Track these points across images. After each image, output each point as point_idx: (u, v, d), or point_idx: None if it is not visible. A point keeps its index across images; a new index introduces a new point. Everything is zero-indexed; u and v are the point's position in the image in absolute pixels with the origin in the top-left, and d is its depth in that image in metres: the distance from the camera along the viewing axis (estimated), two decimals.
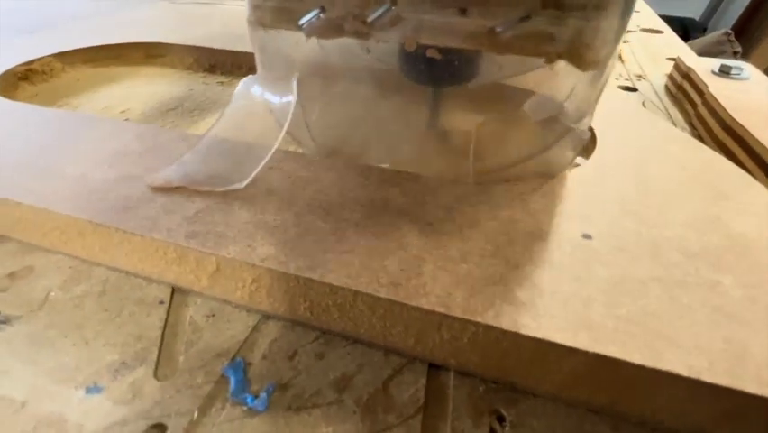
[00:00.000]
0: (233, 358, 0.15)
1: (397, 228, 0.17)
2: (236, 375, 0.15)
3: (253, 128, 0.21)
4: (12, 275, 0.19)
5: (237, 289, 0.16)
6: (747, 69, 0.32)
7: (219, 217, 0.17)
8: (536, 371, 0.14)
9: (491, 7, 0.15)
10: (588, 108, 0.19)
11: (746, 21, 1.54)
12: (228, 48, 0.35)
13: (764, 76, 0.33)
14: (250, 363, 0.15)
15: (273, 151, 0.19)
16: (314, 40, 0.19)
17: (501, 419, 0.14)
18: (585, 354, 0.13)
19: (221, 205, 0.18)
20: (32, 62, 0.32)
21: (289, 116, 0.19)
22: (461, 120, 0.22)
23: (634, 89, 0.36)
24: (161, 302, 0.18)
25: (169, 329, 0.17)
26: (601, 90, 0.19)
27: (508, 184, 0.20)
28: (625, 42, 0.43)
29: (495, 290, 0.14)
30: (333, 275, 0.15)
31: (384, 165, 0.21)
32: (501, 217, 0.18)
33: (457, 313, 0.14)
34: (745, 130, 0.25)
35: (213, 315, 0.17)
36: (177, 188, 0.19)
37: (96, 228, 0.17)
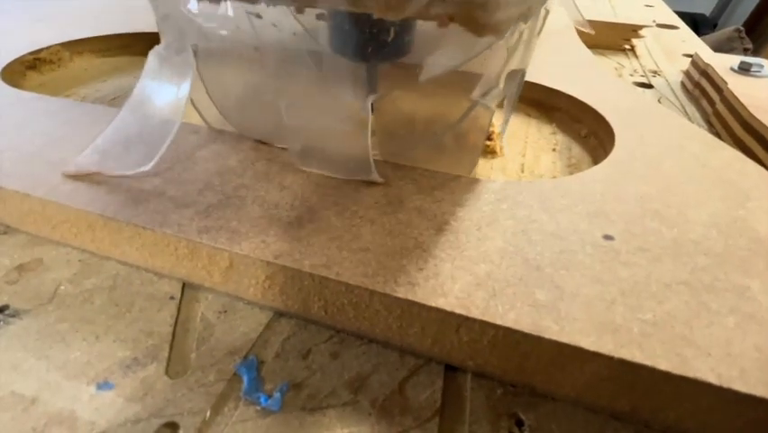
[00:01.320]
0: (246, 356, 0.15)
1: (413, 226, 0.16)
2: (249, 374, 0.15)
3: (161, 104, 0.19)
4: (21, 268, 0.18)
5: (250, 285, 0.16)
6: (767, 66, 0.32)
7: (231, 212, 0.17)
8: (557, 374, 0.13)
9: None
10: (495, 80, 0.18)
11: (758, 17, 1.52)
12: None
13: None
14: (263, 362, 0.15)
15: (175, 129, 0.18)
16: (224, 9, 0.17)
17: (520, 423, 0.14)
18: (609, 358, 0.12)
19: (233, 200, 0.18)
20: (39, 51, 0.31)
21: (188, 88, 0.18)
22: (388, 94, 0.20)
23: (649, 86, 0.35)
24: (172, 298, 0.17)
25: (180, 326, 0.16)
26: (509, 61, 0.18)
27: (527, 183, 0.19)
28: (640, 38, 0.42)
29: (515, 291, 0.14)
30: (348, 274, 0.14)
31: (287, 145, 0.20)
32: (519, 217, 0.17)
33: (476, 315, 0.13)
34: (766, 128, 0.25)
35: (224, 311, 0.17)
36: (92, 174, 0.18)
37: (106, 222, 0.17)
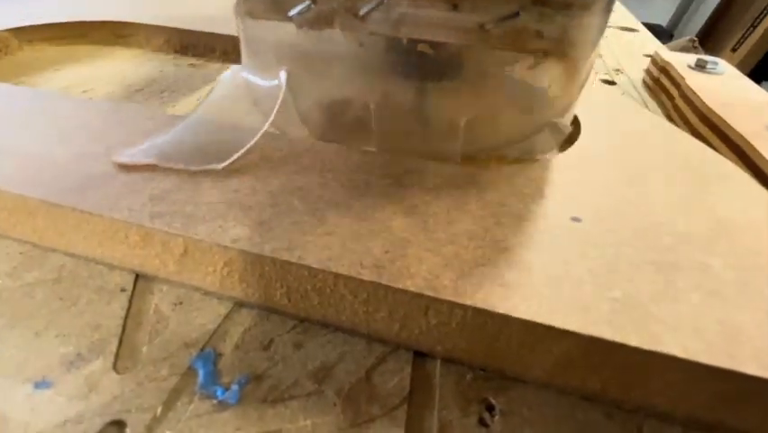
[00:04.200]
0: (203, 349, 0.14)
1: (381, 210, 0.16)
2: (205, 367, 0.14)
3: (236, 115, 0.20)
4: None
5: (207, 274, 0.15)
6: (722, 64, 0.33)
7: (187, 196, 0.16)
8: (527, 355, 0.13)
9: (482, 3, 0.15)
10: (570, 103, 0.19)
11: (711, 28, 1.61)
12: (202, 29, 0.33)
13: (738, 71, 0.33)
14: (221, 354, 0.14)
15: (260, 135, 0.18)
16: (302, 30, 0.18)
17: (491, 408, 0.13)
18: (578, 336, 0.12)
19: (189, 184, 0.17)
20: None
21: (278, 102, 0.19)
22: (448, 108, 0.21)
23: (613, 83, 0.36)
24: (123, 290, 0.16)
25: (131, 319, 0.15)
26: (583, 85, 0.19)
27: (496, 168, 0.19)
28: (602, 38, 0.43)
29: (484, 271, 0.14)
30: (312, 257, 0.14)
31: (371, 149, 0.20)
32: (489, 200, 0.17)
33: (445, 295, 0.13)
34: (723, 121, 0.25)
35: (180, 303, 0.16)
36: (144, 165, 0.17)
37: (49, 209, 0.16)
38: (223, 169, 0.17)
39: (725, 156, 0.24)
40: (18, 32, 0.31)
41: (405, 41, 0.17)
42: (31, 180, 0.16)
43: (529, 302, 0.13)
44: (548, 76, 0.18)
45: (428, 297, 0.13)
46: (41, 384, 0.13)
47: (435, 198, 0.17)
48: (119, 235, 0.15)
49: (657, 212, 0.17)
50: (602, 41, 0.43)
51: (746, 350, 0.12)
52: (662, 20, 1.90)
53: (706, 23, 1.64)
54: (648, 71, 0.37)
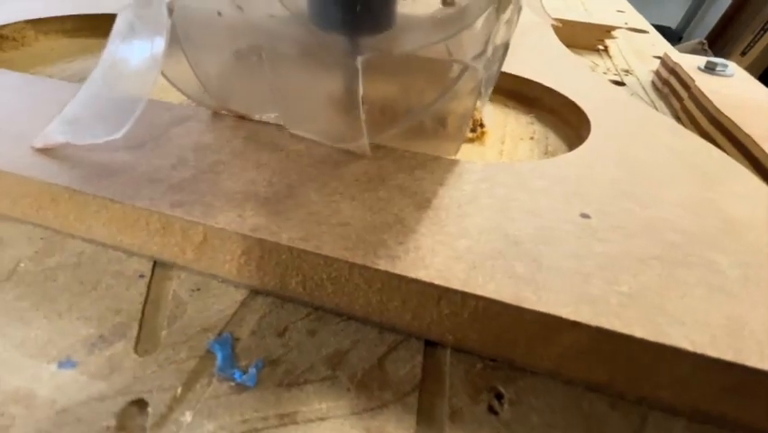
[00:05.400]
0: (220, 333, 0.15)
1: (393, 203, 0.16)
2: (223, 350, 0.14)
3: (133, 67, 0.18)
4: None
5: (225, 261, 0.15)
6: (732, 66, 0.33)
7: (206, 187, 0.16)
8: (536, 346, 0.13)
9: None
10: (484, 45, 0.18)
11: (720, 31, 1.60)
12: None
13: (747, 74, 0.33)
14: (238, 339, 0.15)
15: (149, 91, 0.17)
16: None
17: (499, 397, 0.14)
18: (587, 327, 0.12)
19: (208, 175, 0.17)
20: (2, 27, 0.30)
21: (162, 45, 0.17)
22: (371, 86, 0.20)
23: (622, 83, 0.36)
24: (142, 276, 0.17)
25: (150, 304, 0.16)
26: (498, 26, 0.18)
27: (506, 164, 0.19)
28: (613, 39, 0.43)
29: (495, 264, 0.14)
30: (328, 247, 0.14)
31: (277, 122, 0.20)
32: (499, 195, 0.17)
33: (457, 286, 0.13)
34: (732, 123, 0.26)
35: (198, 289, 0.16)
36: (61, 146, 0.17)
37: (71, 195, 0.16)
38: (240, 159, 0.18)
39: (735, 158, 0.25)
40: (35, 23, 0.32)
41: None
42: (54, 167, 0.17)
43: (539, 294, 0.13)
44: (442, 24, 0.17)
45: (441, 287, 0.13)
46: (65, 364, 0.13)
47: (446, 191, 0.17)
48: (140, 223, 0.16)
49: (664, 209, 0.17)
50: (612, 42, 0.43)
51: (751, 344, 0.12)
52: (672, 22, 1.89)
53: (716, 26, 1.63)
54: (657, 73, 0.37)
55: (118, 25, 0.18)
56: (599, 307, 0.13)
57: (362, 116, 0.17)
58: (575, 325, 0.12)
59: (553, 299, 0.13)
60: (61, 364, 0.13)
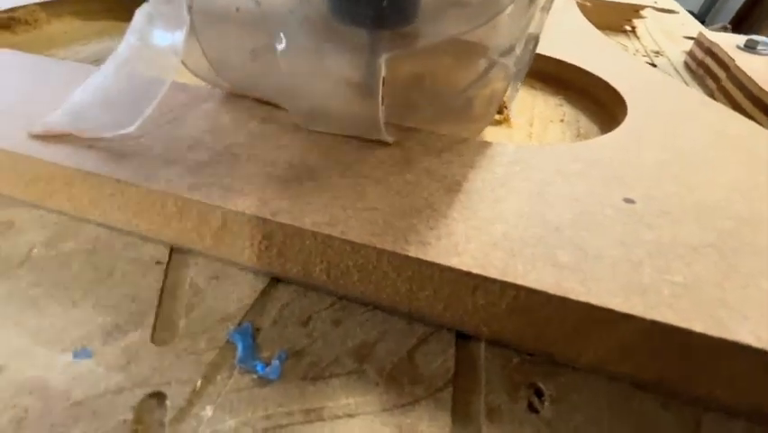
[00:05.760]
0: (240, 323, 0.14)
1: (423, 187, 0.15)
2: (244, 341, 0.13)
3: (150, 62, 0.18)
4: None
5: (245, 247, 0.15)
6: None
7: (224, 169, 0.16)
8: (580, 340, 0.12)
9: None
10: (515, 41, 0.17)
11: (744, 15, 1.54)
12: None
13: None
14: (258, 329, 0.14)
15: (165, 88, 0.16)
16: None
17: (540, 393, 0.13)
18: (641, 320, 0.11)
19: (226, 157, 0.16)
20: (14, 10, 0.29)
21: (181, 44, 0.17)
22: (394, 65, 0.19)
23: (653, 65, 0.35)
24: (158, 262, 0.16)
25: (167, 291, 0.15)
26: (529, 21, 0.17)
27: (538, 147, 0.18)
28: (641, 18, 0.41)
29: (535, 251, 0.13)
30: (354, 232, 0.13)
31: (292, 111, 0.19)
32: (534, 179, 0.16)
33: (495, 275, 0.12)
34: None
35: (216, 277, 0.15)
36: (62, 135, 0.16)
37: (85, 177, 0.15)
38: (260, 141, 0.17)
39: None
40: (46, 6, 0.31)
41: None
42: (67, 149, 0.16)
43: (586, 284, 0.12)
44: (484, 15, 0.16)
45: (477, 276, 0.12)
46: (80, 354, 0.13)
47: (477, 175, 0.16)
48: (155, 207, 0.15)
49: (714, 193, 0.16)
50: (640, 22, 0.41)
51: None
52: (694, 6, 1.83)
53: (740, 10, 1.57)
54: (691, 53, 0.35)
55: (136, 20, 0.18)
56: (651, 298, 0.12)
57: (381, 117, 0.16)
58: (626, 317, 0.11)
59: (602, 290, 0.12)
60: (76, 354, 0.13)
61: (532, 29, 0.18)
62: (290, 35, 0.16)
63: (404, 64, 0.19)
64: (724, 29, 1.36)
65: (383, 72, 0.16)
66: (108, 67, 0.18)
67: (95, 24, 0.33)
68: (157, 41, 0.18)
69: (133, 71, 0.18)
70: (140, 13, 0.18)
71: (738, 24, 1.49)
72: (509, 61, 0.17)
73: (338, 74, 0.17)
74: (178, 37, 0.16)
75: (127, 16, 0.32)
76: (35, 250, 0.16)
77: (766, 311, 0.12)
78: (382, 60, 0.16)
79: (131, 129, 0.16)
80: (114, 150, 0.16)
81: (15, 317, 0.14)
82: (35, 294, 0.14)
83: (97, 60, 0.28)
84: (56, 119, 0.17)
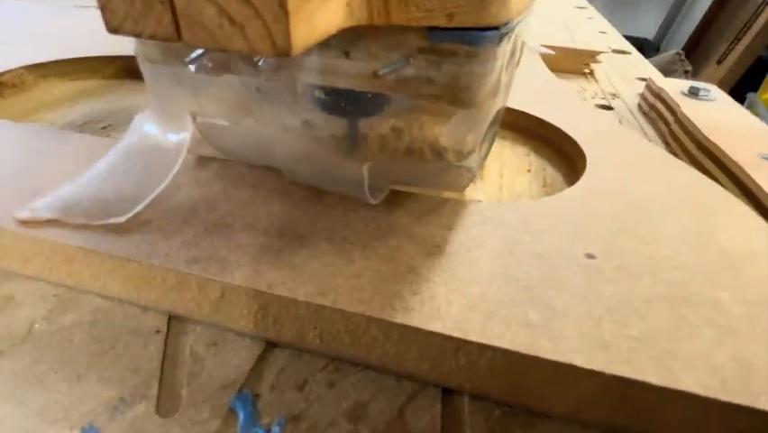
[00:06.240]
0: (240, 389, 0.15)
1: (404, 251, 0.17)
2: (245, 409, 0.14)
3: (146, 163, 0.19)
4: None
5: (242, 316, 0.16)
6: (714, 90, 0.34)
7: (220, 241, 0.17)
8: (552, 393, 0.14)
9: (372, 50, 0.15)
10: (473, 146, 0.19)
11: (696, 41, 1.65)
12: None
13: (730, 97, 0.35)
14: (258, 395, 0.15)
15: (162, 187, 0.18)
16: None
17: None
18: (602, 375, 0.13)
19: (220, 228, 0.17)
20: (1, 74, 0.30)
21: (183, 153, 0.18)
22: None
23: (610, 107, 0.38)
24: (158, 331, 0.17)
25: (168, 361, 0.16)
26: (486, 129, 0.19)
27: (509, 204, 0.20)
28: (598, 63, 0.45)
29: (509, 311, 0.14)
30: (345, 301, 0.15)
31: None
32: (505, 237, 0.18)
33: (474, 338, 0.14)
34: (719, 149, 0.27)
35: (214, 343, 0.16)
36: (48, 221, 0.17)
37: (86, 255, 0.16)
38: (251, 208, 0.18)
39: (722, 183, 0.25)
40: (33, 68, 0.32)
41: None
42: (65, 227, 0.17)
43: (554, 342, 0.13)
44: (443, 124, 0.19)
45: (458, 339, 0.14)
46: (88, 430, 0.14)
47: (455, 236, 0.18)
48: (156, 280, 0.16)
49: (665, 246, 0.18)
50: (597, 66, 0.44)
51: (761, 385, 0.13)
52: (649, 34, 1.95)
53: (691, 37, 1.68)
54: (643, 96, 0.38)
55: (136, 123, 0.20)
56: (612, 353, 0.13)
57: (366, 179, 0.18)
58: (590, 373, 0.13)
59: (568, 347, 0.13)
60: (84, 431, 0.13)
61: (497, 107, 0.20)
62: (278, 115, 0.18)
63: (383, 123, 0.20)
64: (677, 54, 1.45)
65: (366, 176, 0.17)
66: (101, 164, 0.19)
67: (80, 84, 0.34)
68: (158, 142, 0.20)
69: (131, 168, 0.19)
70: (140, 118, 0.20)
71: (691, 51, 1.59)
72: (471, 163, 0.19)
73: (325, 158, 0.19)
74: (182, 139, 0.18)
75: (112, 75, 0.33)
76: (37, 324, 0.17)
77: (710, 360, 0.13)
78: (365, 169, 0.17)
79: (121, 219, 0.17)
80: (114, 226, 0.17)
81: (21, 396, 0.14)
82: (40, 371, 0.15)
83: (84, 124, 0.29)
84: (43, 206, 0.17)
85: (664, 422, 0.13)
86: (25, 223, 0.17)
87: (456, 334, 0.14)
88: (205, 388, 0.15)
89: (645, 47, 1.81)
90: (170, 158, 0.18)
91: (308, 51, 0.14)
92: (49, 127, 0.28)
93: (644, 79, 0.43)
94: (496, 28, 0.15)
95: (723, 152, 0.26)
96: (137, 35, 0.13)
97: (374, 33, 0.15)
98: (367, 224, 0.18)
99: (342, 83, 0.16)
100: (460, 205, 0.20)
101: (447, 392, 0.15)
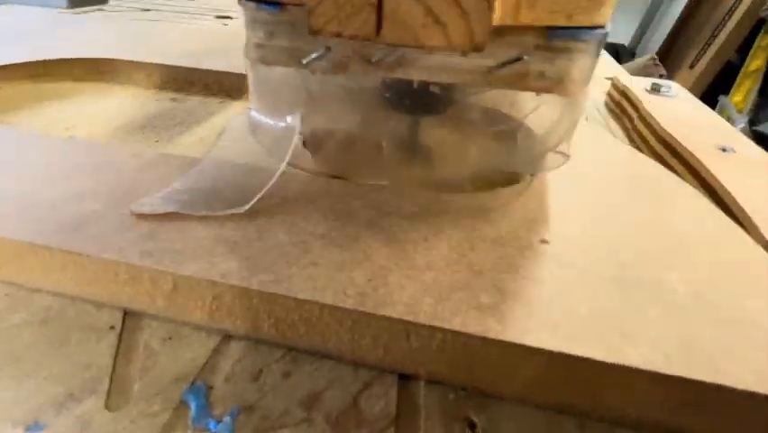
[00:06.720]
0: (193, 382, 0.15)
1: (362, 240, 0.17)
2: (197, 400, 0.14)
3: (249, 157, 0.21)
4: None
5: (196, 308, 0.16)
6: (674, 87, 0.36)
7: (175, 234, 0.17)
8: (503, 374, 0.14)
9: (489, 48, 0.16)
10: (565, 134, 0.20)
11: (669, 47, 1.70)
12: (182, 64, 0.34)
13: (689, 94, 0.36)
14: (211, 387, 0.15)
15: (278, 175, 0.18)
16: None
17: (473, 426, 0.14)
18: (549, 353, 0.13)
19: (176, 222, 0.17)
20: None
21: (292, 145, 0.19)
22: (438, 138, 0.23)
23: None
24: (112, 327, 0.16)
25: (121, 356, 0.15)
26: (579, 116, 0.20)
27: (468, 194, 0.20)
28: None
29: (461, 295, 0.15)
30: (298, 288, 0.14)
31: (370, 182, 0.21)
32: (463, 225, 0.18)
33: (424, 320, 0.14)
34: (678, 142, 0.27)
35: (170, 338, 0.16)
36: (165, 214, 0.17)
37: (36, 250, 0.16)
38: (213, 201, 0.18)
39: (681, 174, 0.26)
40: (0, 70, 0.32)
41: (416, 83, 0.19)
42: (17, 223, 0.17)
43: (503, 323, 0.14)
44: (527, 104, 0.20)
45: (409, 322, 0.14)
46: (33, 427, 0.13)
47: (412, 226, 0.18)
48: (108, 274, 0.16)
49: (618, 231, 0.18)
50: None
51: (701, 359, 0.13)
52: (625, 39, 2.00)
53: (664, 43, 1.73)
54: (609, 94, 0.39)
55: (235, 120, 0.23)
56: (560, 332, 0.13)
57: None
58: (537, 351, 0.13)
59: (517, 328, 0.13)
60: (29, 428, 0.13)
61: None
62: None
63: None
64: (652, 59, 1.49)
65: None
66: (205, 164, 0.21)
67: (47, 87, 0.33)
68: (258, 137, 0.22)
69: (234, 161, 0.21)
70: (235, 121, 0.23)
71: (665, 56, 1.64)
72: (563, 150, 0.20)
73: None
74: (291, 126, 0.20)
75: (84, 77, 0.32)
76: None
77: (653, 336, 0.13)
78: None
79: (244, 208, 0.18)
80: (66, 221, 0.17)
81: None
82: None
83: (50, 124, 0.29)
84: (160, 200, 0.18)
85: (612, 398, 0.13)
86: (143, 216, 0.17)
87: (407, 317, 0.14)
88: (157, 381, 0.15)
89: (622, 52, 1.85)
90: (278, 145, 0.20)
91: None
92: (10, 128, 0.27)
93: (611, 79, 0.44)
94: (602, 27, 0.16)
95: (681, 145, 0.27)
96: (337, 35, 0.15)
97: (495, 32, 0.15)
98: (327, 215, 0.18)
99: (453, 79, 0.17)
100: (419, 197, 0.20)
101: (404, 378, 0.15)
